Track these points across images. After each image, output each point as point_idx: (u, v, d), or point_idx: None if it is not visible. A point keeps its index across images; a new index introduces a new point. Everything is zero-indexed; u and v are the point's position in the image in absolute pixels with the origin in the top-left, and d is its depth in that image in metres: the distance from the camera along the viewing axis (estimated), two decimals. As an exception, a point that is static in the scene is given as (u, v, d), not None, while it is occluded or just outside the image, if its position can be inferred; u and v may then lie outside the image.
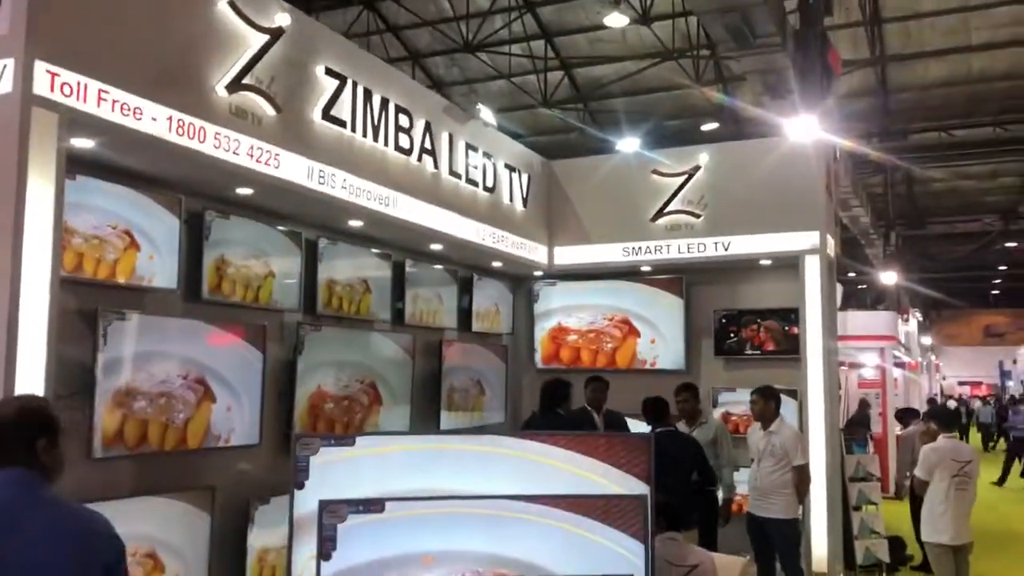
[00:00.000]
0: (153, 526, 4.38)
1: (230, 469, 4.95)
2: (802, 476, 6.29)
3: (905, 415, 10.90)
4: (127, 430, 4.23)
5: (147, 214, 4.43)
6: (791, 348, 7.38)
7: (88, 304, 4.14)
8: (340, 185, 5.21)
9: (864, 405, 14.00)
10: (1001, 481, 16.07)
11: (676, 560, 4.19)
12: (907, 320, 22.22)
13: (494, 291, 7.92)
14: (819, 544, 7.02)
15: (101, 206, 4.21)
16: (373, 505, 3.22)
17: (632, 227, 7.71)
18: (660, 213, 7.61)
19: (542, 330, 8.16)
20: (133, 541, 4.26)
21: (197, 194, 4.77)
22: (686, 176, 7.57)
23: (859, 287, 23.67)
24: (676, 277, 7.79)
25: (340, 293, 5.90)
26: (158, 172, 4.46)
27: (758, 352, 7.58)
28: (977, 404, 30.52)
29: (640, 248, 7.67)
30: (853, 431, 8.28)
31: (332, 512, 3.17)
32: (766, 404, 6.37)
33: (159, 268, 4.48)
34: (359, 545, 3.17)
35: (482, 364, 7.60)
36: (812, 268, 7.14)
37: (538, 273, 8.08)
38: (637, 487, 3.54)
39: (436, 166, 6.28)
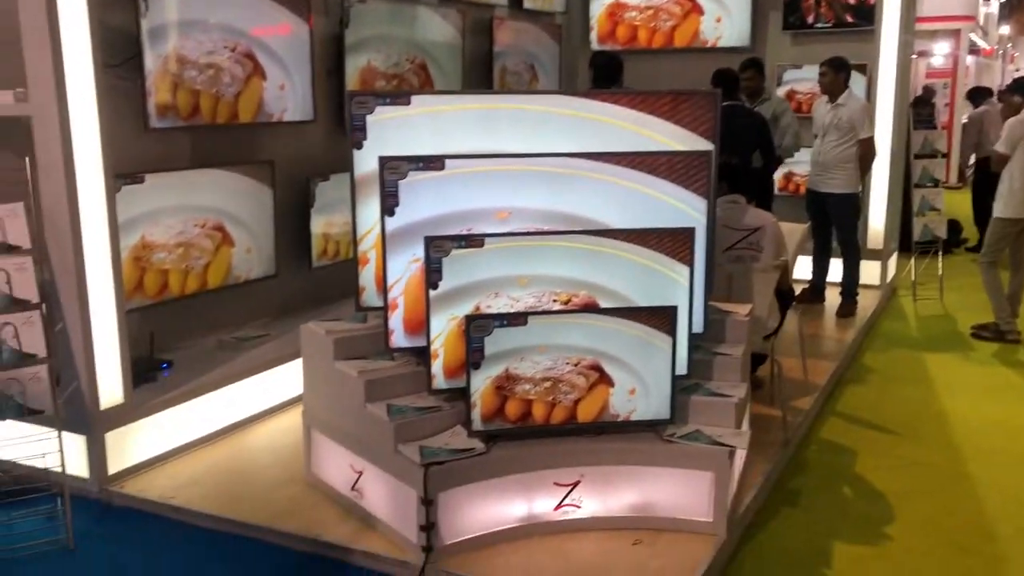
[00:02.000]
0: (218, 199, 4.46)
1: (287, 145, 4.95)
2: (867, 149, 6.12)
3: (976, 95, 10.36)
4: (179, 100, 4.17)
5: None
6: (863, 19, 6.91)
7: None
8: None
9: (929, 92, 13.38)
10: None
11: (736, 224, 4.18)
12: (988, 1, 20.66)
13: (547, -35, 7.40)
14: (876, 220, 7.00)
15: None
16: (433, 162, 3.17)
17: None
18: None
19: (600, 6, 7.71)
20: (201, 214, 4.37)
21: None
22: None
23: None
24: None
25: (384, -37, 5.53)
26: None
27: (828, 26, 7.10)
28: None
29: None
30: (920, 109, 7.91)
31: (392, 168, 3.13)
32: (836, 76, 6.05)
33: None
34: (421, 201, 3.17)
35: (535, 45, 7.28)
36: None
37: (594, -56, 7.48)
38: (701, 144, 3.43)
39: None
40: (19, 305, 3.34)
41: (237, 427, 4.20)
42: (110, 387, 3.61)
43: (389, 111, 3.33)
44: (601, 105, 3.48)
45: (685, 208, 3.34)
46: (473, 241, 3.11)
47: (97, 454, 3.59)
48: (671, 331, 3.08)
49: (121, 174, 3.83)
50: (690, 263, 3.21)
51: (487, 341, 3.00)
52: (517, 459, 3.05)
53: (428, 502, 2.88)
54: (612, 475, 3.10)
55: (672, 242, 3.20)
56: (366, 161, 3.27)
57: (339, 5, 5.15)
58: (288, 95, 4.77)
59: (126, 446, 3.69)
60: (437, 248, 3.07)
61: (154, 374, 4.07)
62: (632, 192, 3.32)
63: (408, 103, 3.36)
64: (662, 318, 3.09)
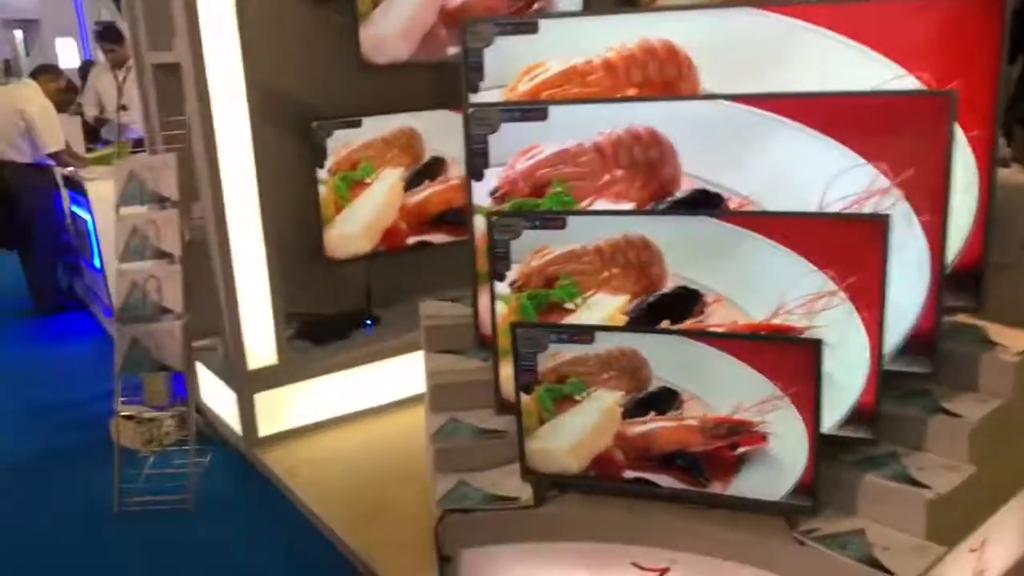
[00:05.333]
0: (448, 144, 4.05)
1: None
2: None
3: None
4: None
5: None
6: None
7: None
8: None
9: None
10: None
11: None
12: None
13: None
14: None
15: None
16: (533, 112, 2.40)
17: None
18: None
19: None
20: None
21: None
22: None
23: None
24: None
25: None
26: None
27: None
28: None
29: None
30: None
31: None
32: None
33: None
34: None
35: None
36: None
37: None
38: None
39: None
40: (166, 258, 3.29)
41: (403, 404, 3.76)
42: (260, 347, 3.45)
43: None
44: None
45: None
46: (552, 221, 2.29)
47: (247, 414, 3.48)
48: (807, 374, 1.97)
49: (331, 117, 3.59)
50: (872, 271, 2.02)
51: (540, 359, 2.19)
52: (579, 522, 2.22)
53: (445, 559, 2.22)
54: (716, 571, 2.13)
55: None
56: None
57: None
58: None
59: (279, 409, 3.53)
60: (504, 229, 2.31)
61: (350, 332, 3.85)
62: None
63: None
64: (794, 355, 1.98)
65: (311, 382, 3.56)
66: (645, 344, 2.12)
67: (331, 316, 3.89)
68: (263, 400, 3.47)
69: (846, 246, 2.04)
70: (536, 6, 4.10)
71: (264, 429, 3.50)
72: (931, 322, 2.15)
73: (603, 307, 2.29)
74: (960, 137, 2.24)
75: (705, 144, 2.29)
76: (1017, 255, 2.54)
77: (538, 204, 2.45)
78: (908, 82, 2.26)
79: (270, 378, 3.47)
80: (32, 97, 5.69)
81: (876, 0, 2.26)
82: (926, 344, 2.17)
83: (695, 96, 2.38)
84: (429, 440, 2.41)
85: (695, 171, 2.32)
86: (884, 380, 2.08)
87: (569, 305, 2.31)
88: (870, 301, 2.03)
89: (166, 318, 3.26)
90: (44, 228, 5.89)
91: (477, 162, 2.48)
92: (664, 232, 2.20)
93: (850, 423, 2.10)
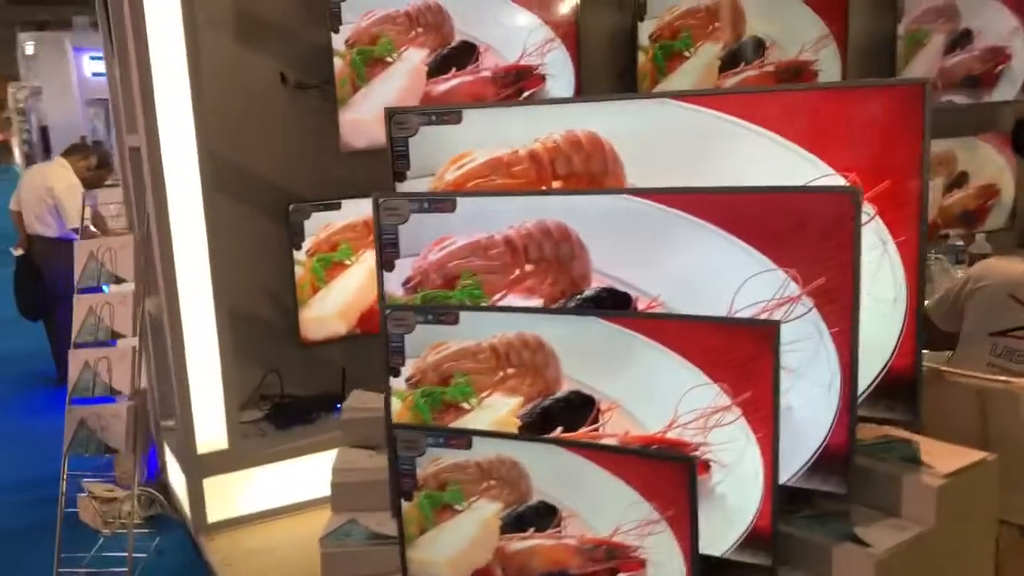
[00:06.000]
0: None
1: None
2: None
3: None
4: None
5: None
6: None
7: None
8: None
9: None
10: None
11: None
12: None
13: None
14: None
15: None
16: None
17: None
18: None
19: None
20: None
21: None
22: None
23: None
24: None
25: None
26: None
27: None
28: None
29: None
30: None
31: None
32: None
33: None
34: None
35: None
36: None
37: None
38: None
39: None
40: (119, 339, 3.30)
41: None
42: (211, 431, 3.40)
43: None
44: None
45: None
46: (445, 316, 2.19)
47: (195, 498, 3.41)
48: (682, 496, 1.79)
49: (309, 199, 3.61)
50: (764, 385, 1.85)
51: (420, 463, 2.07)
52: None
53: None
54: None
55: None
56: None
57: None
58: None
59: (228, 495, 3.45)
60: (397, 322, 2.22)
61: (317, 415, 3.79)
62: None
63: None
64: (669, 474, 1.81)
65: (263, 468, 3.48)
66: (524, 453, 1.98)
67: (302, 399, 3.84)
68: (212, 485, 3.40)
69: (737, 355, 1.88)
70: (527, 93, 4.09)
71: (213, 515, 3.42)
72: (844, 438, 1.96)
73: (497, 409, 2.17)
74: (889, 244, 2.09)
75: (614, 241, 2.19)
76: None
77: (450, 296, 2.37)
78: (834, 182, 2.13)
79: (220, 463, 3.41)
80: (61, 175, 5.92)
81: (790, 89, 2.15)
82: (840, 463, 1.98)
83: (599, 190, 2.28)
84: (319, 542, 2.29)
85: (605, 269, 2.21)
86: (801, 499, 1.90)
87: (465, 405, 2.19)
88: (764, 416, 1.87)
89: (118, 399, 3.24)
90: (68, 300, 6.04)
91: (388, 253, 2.41)
92: (557, 332, 2.09)
93: (746, 548, 1.92)
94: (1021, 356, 2.33)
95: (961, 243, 4.32)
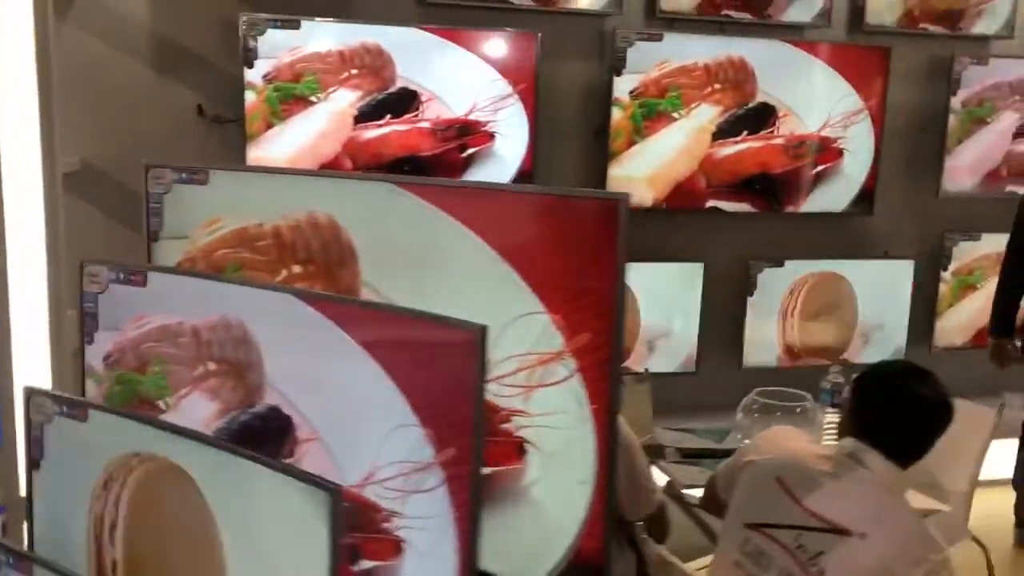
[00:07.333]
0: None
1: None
2: None
3: None
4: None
5: None
6: None
7: None
8: None
9: None
10: None
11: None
12: None
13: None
14: None
15: None
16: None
17: None
18: None
19: None
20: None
21: None
22: None
23: None
24: None
25: None
26: None
27: None
28: None
29: None
30: None
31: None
32: None
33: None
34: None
35: None
36: None
37: None
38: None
39: None
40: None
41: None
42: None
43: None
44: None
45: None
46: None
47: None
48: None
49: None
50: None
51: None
52: None
53: None
54: None
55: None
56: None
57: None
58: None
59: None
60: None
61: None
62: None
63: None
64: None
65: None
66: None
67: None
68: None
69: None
70: (470, 151, 3.70)
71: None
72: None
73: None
74: (585, 412, 1.57)
75: (289, 352, 1.78)
76: None
77: (140, 382, 2.03)
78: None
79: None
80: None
81: (485, 188, 1.67)
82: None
83: (266, 285, 1.87)
84: None
85: (277, 384, 1.80)
86: None
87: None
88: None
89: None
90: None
91: (88, 323, 2.09)
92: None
93: None
94: (768, 563, 1.68)
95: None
